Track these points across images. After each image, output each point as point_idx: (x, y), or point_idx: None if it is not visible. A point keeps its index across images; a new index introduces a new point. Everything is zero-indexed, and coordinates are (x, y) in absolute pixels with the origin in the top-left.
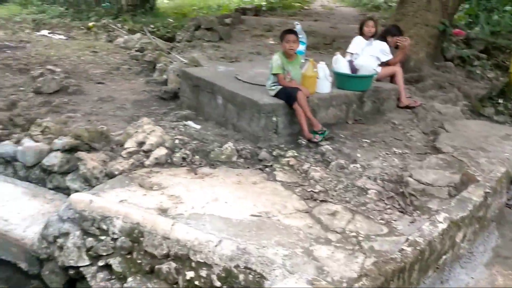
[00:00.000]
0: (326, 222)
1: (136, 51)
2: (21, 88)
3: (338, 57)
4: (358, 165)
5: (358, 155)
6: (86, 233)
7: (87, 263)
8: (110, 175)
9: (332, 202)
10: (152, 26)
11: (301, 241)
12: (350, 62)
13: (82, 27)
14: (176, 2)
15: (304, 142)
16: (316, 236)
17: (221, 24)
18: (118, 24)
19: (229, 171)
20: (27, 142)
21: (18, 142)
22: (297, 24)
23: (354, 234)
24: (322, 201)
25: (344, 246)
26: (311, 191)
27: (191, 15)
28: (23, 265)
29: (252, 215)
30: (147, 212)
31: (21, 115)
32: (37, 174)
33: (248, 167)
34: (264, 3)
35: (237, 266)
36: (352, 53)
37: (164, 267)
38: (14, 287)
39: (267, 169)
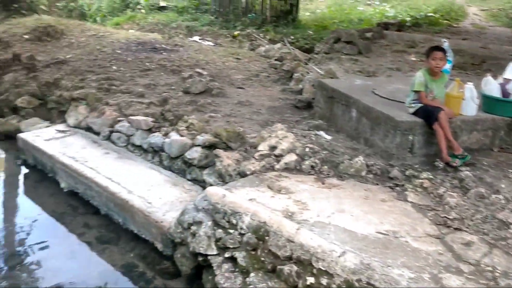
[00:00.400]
0: (459, 251)
1: (275, 60)
2: (173, 87)
3: (488, 78)
4: (501, 196)
5: (502, 185)
6: (216, 224)
7: (215, 252)
8: (242, 174)
9: (467, 232)
10: (292, 37)
11: (429, 267)
12: (502, 85)
13: (228, 35)
14: (317, 15)
15: (441, 165)
16: (447, 264)
17: (361, 38)
18: (261, 34)
19: (357, 185)
20: (174, 136)
21: (166, 134)
22: (444, 41)
23: (489, 268)
24: (456, 229)
25: (478, 280)
26: (445, 217)
27: (331, 28)
28: (159, 246)
29: (378, 232)
30: (274, 213)
31: (170, 111)
32: (179, 165)
33: (377, 184)
34: (409, 19)
35: (359, 280)
36: (510, 79)
37: (286, 268)
38: (149, 264)
39: (397, 188)
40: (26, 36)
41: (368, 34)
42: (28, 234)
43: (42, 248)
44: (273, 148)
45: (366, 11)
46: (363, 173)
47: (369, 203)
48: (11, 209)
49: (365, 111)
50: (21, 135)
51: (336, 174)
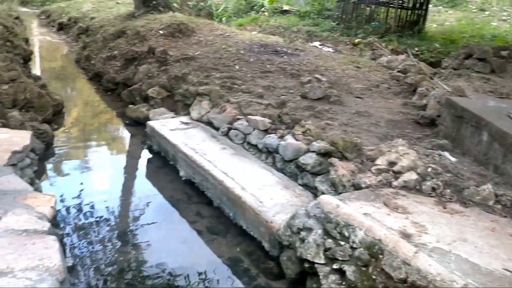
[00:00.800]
0: None
1: (398, 71)
2: (291, 91)
3: None
4: None
5: None
6: (327, 234)
7: (323, 262)
8: (357, 186)
9: None
10: (416, 49)
11: None
12: None
13: (349, 43)
14: (446, 28)
15: None
16: None
17: (495, 55)
18: (383, 43)
19: (482, 215)
20: (289, 139)
21: (281, 137)
22: None
23: None
24: None
25: None
26: None
27: (460, 43)
28: (265, 245)
29: (505, 269)
30: (390, 232)
31: (288, 114)
32: (291, 169)
33: (505, 216)
34: None
35: None
36: None
37: None
38: (254, 261)
39: None
40: (161, 32)
41: (504, 53)
42: (145, 214)
43: (157, 230)
44: (392, 163)
45: (500, 27)
46: (491, 203)
47: (496, 236)
48: (132, 189)
49: (498, 136)
50: (150, 122)
51: (459, 199)
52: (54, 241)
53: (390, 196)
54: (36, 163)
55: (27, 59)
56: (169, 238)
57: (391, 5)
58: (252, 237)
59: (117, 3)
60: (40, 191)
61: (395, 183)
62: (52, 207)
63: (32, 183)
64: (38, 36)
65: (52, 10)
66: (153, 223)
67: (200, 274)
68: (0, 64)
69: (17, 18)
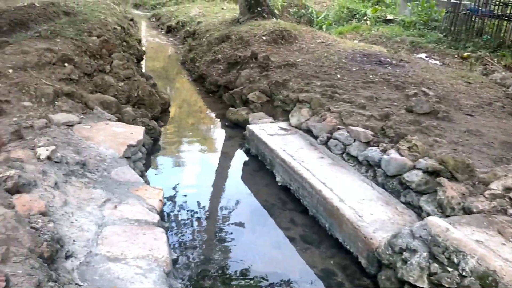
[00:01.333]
0: None
1: None
2: (395, 103)
3: None
4: None
5: None
6: (433, 257)
7: (426, 286)
8: (467, 210)
9: None
10: None
11: None
12: None
13: (456, 56)
14: None
15: None
16: None
17: None
18: (495, 59)
19: None
20: (393, 154)
21: (384, 151)
22: None
23: None
24: None
25: None
26: None
27: None
28: (362, 261)
29: None
30: (506, 264)
31: (392, 128)
32: (394, 185)
33: None
34: None
35: None
36: None
37: None
38: (348, 276)
39: None
40: (264, 38)
41: None
42: (239, 215)
43: (251, 232)
44: (508, 189)
45: None
46: None
47: None
48: (228, 189)
49: None
50: (250, 126)
51: None
52: (162, 233)
53: (505, 225)
54: (145, 157)
55: (139, 59)
56: (262, 241)
57: (508, 18)
58: (347, 251)
59: (222, 8)
60: (148, 184)
61: (511, 210)
62: (160, 200)
63: (142, 175)
64: (148, 37)
65: (162, 14)
66: (247, 224)
67: (291, 281)
68: (118, 63)
69: (131, 20)
